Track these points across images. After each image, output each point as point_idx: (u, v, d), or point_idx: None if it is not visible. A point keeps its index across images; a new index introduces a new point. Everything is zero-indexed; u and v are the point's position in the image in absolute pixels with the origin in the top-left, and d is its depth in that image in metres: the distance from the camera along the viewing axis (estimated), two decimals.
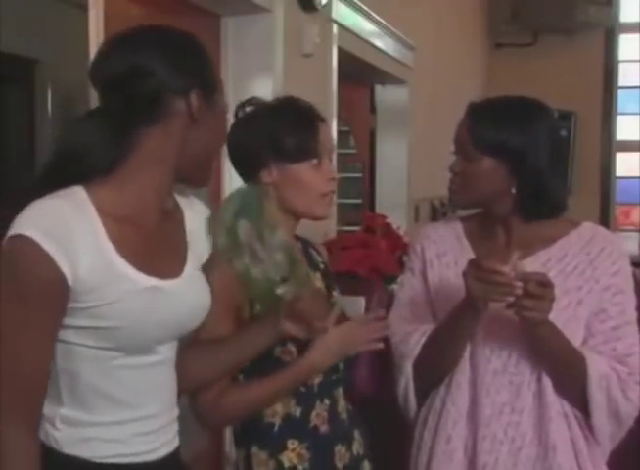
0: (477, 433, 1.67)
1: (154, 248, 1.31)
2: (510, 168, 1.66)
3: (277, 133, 1.63)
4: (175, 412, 1.41)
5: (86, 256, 1.19)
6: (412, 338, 1.75)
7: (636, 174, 7.20)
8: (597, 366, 1.64)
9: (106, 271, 1.21)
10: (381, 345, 1.64)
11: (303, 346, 1.62)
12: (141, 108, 1.27)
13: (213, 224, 1.38)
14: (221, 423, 1.66)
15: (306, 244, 1.81)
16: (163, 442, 1.36)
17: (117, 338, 1.24)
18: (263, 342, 1.51)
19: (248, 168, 1.69)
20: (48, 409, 1.27)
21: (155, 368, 1.33)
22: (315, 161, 1.65)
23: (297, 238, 1.80)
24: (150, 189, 1.30)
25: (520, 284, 1.49)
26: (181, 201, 1.44)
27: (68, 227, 1.19)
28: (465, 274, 1.54)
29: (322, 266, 1.80)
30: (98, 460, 1.28)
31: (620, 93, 7.38)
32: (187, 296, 1.34)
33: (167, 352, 1.36)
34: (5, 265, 1.18)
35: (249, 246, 1.37)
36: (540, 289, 1.50)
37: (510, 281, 1.49)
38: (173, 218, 1.40)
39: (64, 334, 1.23)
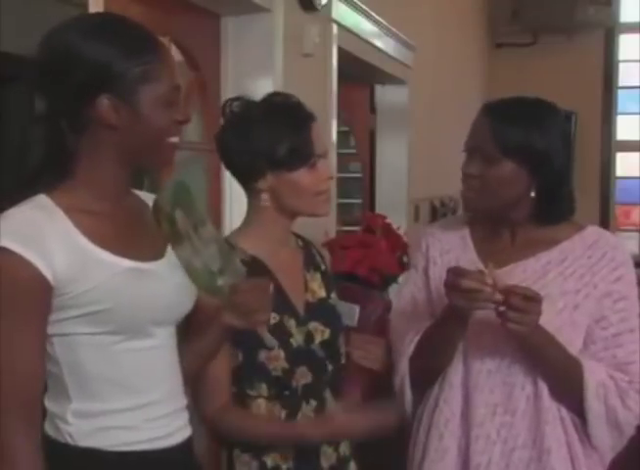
0: (470, 433, 1.67)
1: (129, 234, 1.33)
2: (531, 172, 1.64)
3: (273, 145, 1.62)
4: (184, 400, 1.42)
5: (60, 251, 1.23)
6: (407, 336, 1.76)
7: (636, 174, 7.20)
8: (594, 374, 1.62)
9: (81, 260, 1.24)
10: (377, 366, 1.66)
11: (292, 351, 1.62)
12: (62, 120, 1.29)
13: (156, 213, 1.37)
14: (220, 437, 1.68)
15: (308, 243, 1.81)
16: (176, 428, 1.38)
17: (111, 320, 1.26)
18: (215, 333, 1.49)
19: (244, 176, 1.69)
20: (57, 407, 1.29)
21: (154, 352, 1.34)
22: (310, 164, 1.65)
23: (298, 237, 1.79)
24: (104, 188, 1.33)
25: (499, 297, 1.49)
26: (144, 196, 1.46)
27: (37, 229, 1.22)
28: (445, 283, 1.54)
29: (322, 267, 1.80)
30: (114, 449, 1.30)
31: (620, 93, 7.37)
32: (172, 275, 1.36)
33: (165, 336, 1.37)
34: None
35: (187, 236, 1.36)
36: (524, 303, 1.49)
37: (487, 291, 1.48)
38: (142, 209, 1.42)
39: (61, 327, 1.26)
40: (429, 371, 1.75)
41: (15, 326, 1.21)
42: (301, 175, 1.64)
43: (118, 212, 1.34)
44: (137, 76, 1.27)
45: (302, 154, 1.64)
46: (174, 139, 1.36)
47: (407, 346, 1.75)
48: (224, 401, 1.61)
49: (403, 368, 1.76)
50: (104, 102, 1.26)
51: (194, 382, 1.57)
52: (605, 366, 1.64)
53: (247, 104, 1.70)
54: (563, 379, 1.65)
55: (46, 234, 1.22)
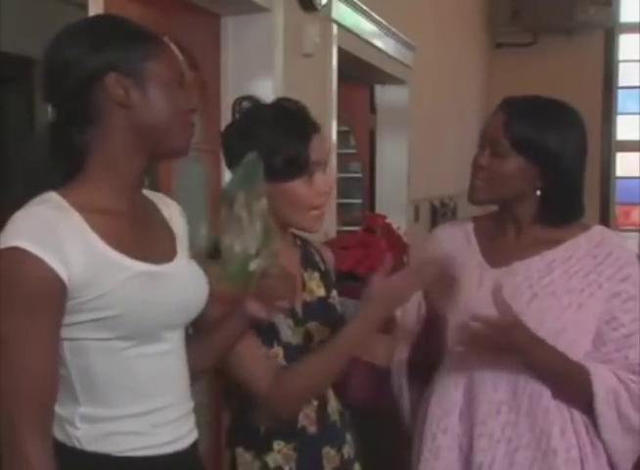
0: (473, 431, 1.67)
1: (141, 235, 1.32)
2: (540, 170, 1.64)
3: (271, 153, 1.58)
4: (191, 404, 1.42)
5: (77, 252, 1.21)
6: (407, 340, 1.78)
7: (636, 174, 7.20)
8: (603, 381, 1.61)
9: (99, 263, 1.23)
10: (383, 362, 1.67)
11: (291, 349, 1.60)
12: (70, 113, 1.29)
13: (222, 195, 1.40)
14: (290, 407, 1.59)
15: (305, 243, 1.80)
16: (184, 432, 1.37)
17: (122, 326, 1.25)
18: (238, 326, 1.49)
19: None
20: (65, 411, 1.28)
21: (166, 357, 1.34)
22: (307, 176, 1.62)
23: (296, 237, 1.79)
24: (121, 180, 1.32)
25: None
26: (149, 195, 1.45)
27: (53, 229, 1.21)
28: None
29: (322, 267, 1.79)
30: (122, 454, 1.28)
31: (620, 93, 7.38)
32: (184, 277, 1.36)
33: (176, 340, 1.37)
34: (1, 279, 1.20)
35: (238, 218, 1.38)
36: (489, 329, 1.52)
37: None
38: (151, 208, 1.42)
39: (71, 331, 1.24)
40: (423, 368, 1.78)
41: (29, 327, 1.20)
42: (297, 186, 1.61)
43: (133, 211, 1.33)
44: (142, 56, 1.29)
45: (298, 165, 1.60)
46: (191, 124, 1.35)
47: (404, 350, 1.78)
48: (276, 373, 1.55)
49: (401, 371, 1.79)
50: (112, 79, 1.26)
51: (220, 378, 1.56)
52: (615, 368, 1.63)
53: (255, 106, 1.69)
54: (570, 388, 1.64)
55: (62, 235, 1.21)
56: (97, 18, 1.44)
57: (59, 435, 1.27)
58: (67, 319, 1.23)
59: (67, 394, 1.27)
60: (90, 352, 1.26)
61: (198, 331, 1.46)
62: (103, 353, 1.26)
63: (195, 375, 1.46)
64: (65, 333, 1.24)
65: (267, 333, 1.58)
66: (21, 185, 1.31)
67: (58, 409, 1.27)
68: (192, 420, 1.41)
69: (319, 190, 1.64)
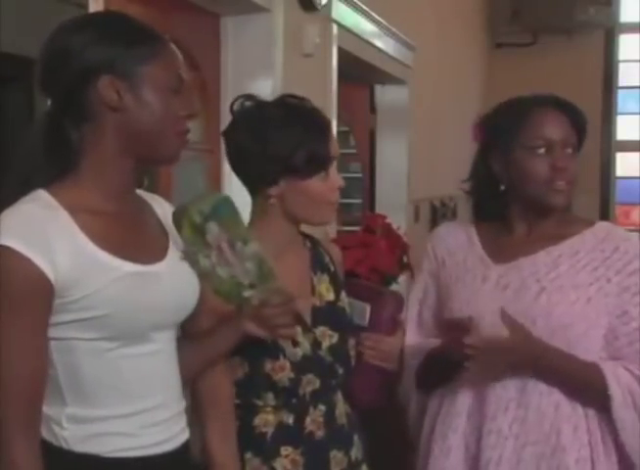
0: (482, 427, 1.66)
1: (131, 236, 1.32)
2: None
3: (292, 151, 1.57)
4: (183, 404, 1.41)
5: (64, 252, 1.21)
6: (419, 349, 1.78)
7: (636, 174, 7.20)
8: (618, 382, 1.60)
9: (86, 263, 1.23)
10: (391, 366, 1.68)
11: (298, 360, 1.60)
12: (65, 104, 1.28)
13: (179, 219, 1.36)
14: None
15: (316, 244, 1.78)
16: (175, 433, 1.36)
17: (109, 326, 1.25)
18: (230, 338, 1.48)
19: (254, 180, 1.65)
20: (52, 411, 1.27)
21: (155, 357, 1.33)
22: (324, 173, 1.63)
23: (306, 236, 1.77)
24: (110, 182, 1.31)
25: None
26: (143, 195, 1.44)
27: (41, 228, 1.21)
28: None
29: (331, 268, 1.76)
30: (110, 455, 1.28)
31: (620, 93, 7.37)
32: (173, 277, 1.35)
33: (165, 341, 1.36)
34: None
35: (217, 248, 1.36)
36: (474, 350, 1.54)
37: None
38: (145, 209, 1.41)
39: (58, 331, 1.24)
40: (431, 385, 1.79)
41: (16, 326, 1.20)
42: (314, 184, 1.61)
43: (123, 212, 1.32)
44: (141, 58, 1.27)
45: (320, 162, 1.60)
46: (184, 131, 1.34)
47: (414, 363, 1.78)
48: None
49: (409, 382, 1.80)
50: (105, 82, 1.25)
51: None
52: (628, 363, 1.62)
53: (261, 104, 1.66)
54: (586, 392, 1.64)
55: (50, 234, 1.21)
56: (106, 14, 1.43)
57: (46, 435, 1.27)
58: (53, 319, 1.23)
59: (54, 393, 1.27)
60: (77, 352, 1.25)
61: (186, 338, 1.45)
62: (90, 354, 1.26)
63: (187, 378, 1.44)
64: (51, 333, 1.24)
65: (272, 346, 1.57)
66: (13, 182, 1.30)
67: (45, 409, 1.27)
68: (184, 420, 1.40)
69: (334, 185, 1.65)
